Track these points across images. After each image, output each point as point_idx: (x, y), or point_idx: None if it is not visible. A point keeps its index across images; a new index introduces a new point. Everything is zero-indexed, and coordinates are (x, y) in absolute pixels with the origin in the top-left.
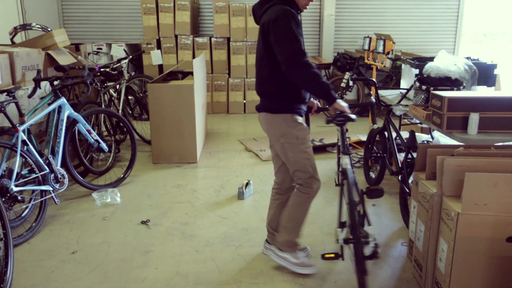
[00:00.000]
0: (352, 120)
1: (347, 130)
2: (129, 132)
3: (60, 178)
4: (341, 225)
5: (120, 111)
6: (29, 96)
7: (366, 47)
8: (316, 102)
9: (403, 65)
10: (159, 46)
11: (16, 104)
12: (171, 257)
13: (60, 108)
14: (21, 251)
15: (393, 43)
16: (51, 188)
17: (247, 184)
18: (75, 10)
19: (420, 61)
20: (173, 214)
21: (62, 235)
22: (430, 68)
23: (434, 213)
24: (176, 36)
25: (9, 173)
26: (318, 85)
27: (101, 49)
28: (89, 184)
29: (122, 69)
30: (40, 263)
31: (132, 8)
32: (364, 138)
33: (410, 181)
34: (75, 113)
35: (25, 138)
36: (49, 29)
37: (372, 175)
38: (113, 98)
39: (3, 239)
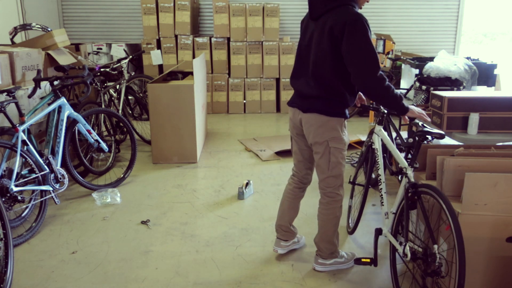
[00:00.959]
0: (443, 137)
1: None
2: (129, 132)
3: (60, 178)
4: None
5: (120, 111)
6: (29, 96)
7: None
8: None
9: (403, 65)
10: (159, 46)
11: (16, 104)
12: (171, 257)
13: (60, 108)
14: (21, 251)
15: (393, 43)
16: (51, 188)
17: (247, 184)
18: (75, 10)
19: (420, 61)
20: (173, 214)
21: (62, 235)
22: (430, 68)
23: (434, 213)
24: (176, 36)
25: (9, 173)
26: (391, 98)
27: (101, 49)
28: (89, 184)
29: (122, 69)
30: (40, 263)
31: (132, 8)
32: (364, 138)
33: None
34: (75, 113)
35: (25, 138)
36: (49, 29)
37: (373, 175)
38: (113, 98)
39: (3, 239)
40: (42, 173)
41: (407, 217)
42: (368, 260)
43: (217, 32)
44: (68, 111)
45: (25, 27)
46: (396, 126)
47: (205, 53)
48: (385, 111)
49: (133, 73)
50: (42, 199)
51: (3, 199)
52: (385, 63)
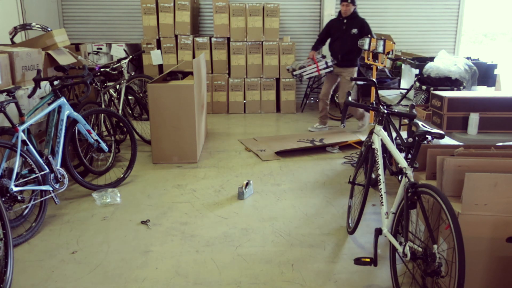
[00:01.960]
0: (443, 137)
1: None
2: (129, 132)
3: (60, 178)
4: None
5: (120, 111)
6: (29, 96)
7: (366, 47)
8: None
9: (403, 65)
10: (159, 46)
11: (16, 104)
12: (171, 257)
13: (60, 108)
14: (21, 251)
15: (393, 43)
16: (51, 188)
17: (247, 184)
18: (75, 10)
19: (420, 61)
20: (173, 214)
21: (62, 235)
22: (430, 68)
23: (433, 213)
24: (176, 36)
25: (9, 173)
26: None
27: (101, 49)
28: (89, 184)
29: (122, 69)
30: (40, 263)
31: (132, 8)
32: (364, 138)
33: None
34: (75, 113)
35: (25, 138)
36: (49, 29)
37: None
38: (113, 98)
39: (3, 239)
40: (42, 173)
41: (407, 217)
42: (368, 260)
43: (217, 32)
44: (68, 111)
45: (25, 27)
46: (396, 126)
47: (205, 53)
48: (385, 111)
49: (133, 73)
50: (42, 199)
51: (3, 199)
52: (385, 63)
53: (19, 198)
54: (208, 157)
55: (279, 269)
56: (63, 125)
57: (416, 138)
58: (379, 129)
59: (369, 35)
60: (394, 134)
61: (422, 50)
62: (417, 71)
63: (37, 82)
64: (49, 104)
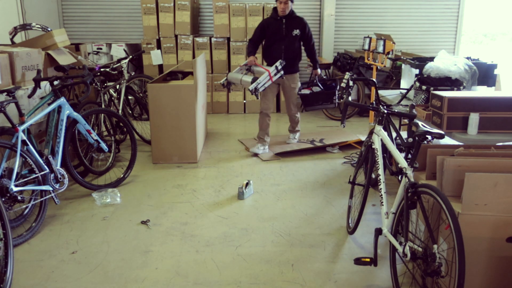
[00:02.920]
0: (443, 137)
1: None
2: (129, 132)
3: (60, 178)
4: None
5: (120, 111)
6: (29, 96)
7: (366, 47)
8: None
9: (403, 65)
10: (159, 46)
11: (16, 104)
12: (171, 257)
13: (60, 108)
14: (21, 251)
15: (393, 43)
16: (51, 188)
17: (247, 184)
18: (75, 10)
19: (420, 61)
20: (173, 214)
21: (62, 235)
22: (430, 68)
23: (433, 213)
24: (176, 36)
25: (9, 173)
26: None
27: (101, 49)
28: (89, 184)
29: (122, 69)
30: (40, 263)
31: (132, 8)
32: (363, 138)
33: None
34: (75, 113)
35: (25, 138)
36: (49, 29)
37: (372, 175)
38: (113, 98)
39: (3, 239)
40: (42, 173)
41: (407, 217)
42: (368, 260)
43: (217, 32)
44: (68, 111)
45: (25, 27)
46: (396, 126)
47: (205, 53)
48: (385, 111)
49: (133, 73)
50: (42, 199)
51: (3, 199)
52: (385, 63)
53: (19, 198)
54: (208, 157)
55: (279, 269)
56: (63, 125)
57: (416, 138)
58: (379, 129)
59: (310, 36)
60: (394, 134)
61: (422, 50)
62: (417, 71)
63: (37, 82)
64: (49, 104)
